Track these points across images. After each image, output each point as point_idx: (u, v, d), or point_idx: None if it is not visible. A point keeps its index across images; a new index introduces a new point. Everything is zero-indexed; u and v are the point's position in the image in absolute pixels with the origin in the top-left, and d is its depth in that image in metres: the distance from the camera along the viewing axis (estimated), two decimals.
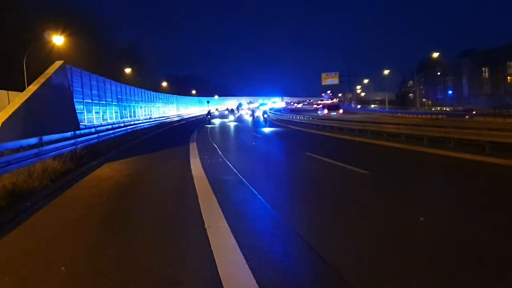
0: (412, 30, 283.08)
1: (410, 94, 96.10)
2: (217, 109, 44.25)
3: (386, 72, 78.13)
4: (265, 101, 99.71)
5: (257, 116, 50.95)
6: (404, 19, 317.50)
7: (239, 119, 51.25)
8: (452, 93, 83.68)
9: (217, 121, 42.24)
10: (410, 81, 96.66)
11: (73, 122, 19.71)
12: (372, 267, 4.29)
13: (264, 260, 4.49)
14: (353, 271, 4.13)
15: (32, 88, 15.60)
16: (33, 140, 11.20)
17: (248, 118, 54.61)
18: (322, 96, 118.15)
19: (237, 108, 70.97)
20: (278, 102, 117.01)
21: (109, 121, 30.31)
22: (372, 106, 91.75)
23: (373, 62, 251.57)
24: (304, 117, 40.86)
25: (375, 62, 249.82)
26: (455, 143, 14.63)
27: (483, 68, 77.73)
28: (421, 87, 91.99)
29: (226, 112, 58.07)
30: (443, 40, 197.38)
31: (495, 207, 6.83)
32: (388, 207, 6.93)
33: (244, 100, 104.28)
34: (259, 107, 69.54)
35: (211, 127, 35.64)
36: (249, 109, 68.00)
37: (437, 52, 62.83)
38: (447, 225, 5.82)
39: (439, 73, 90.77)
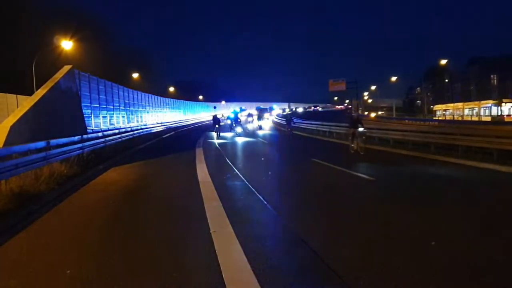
0: (420, 37, 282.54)
1: (418, 101, 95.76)
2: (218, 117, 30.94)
3: (394, 78, 77.89)
4: (261, 107, 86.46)
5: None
6: (412, 26, 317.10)
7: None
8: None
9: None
10: (418, 88, 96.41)
11: (80, 127, 19.83)
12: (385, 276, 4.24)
13: (268, 266, 4.47)
14: (355, 277, 4.10)
15: (40, 92, 15.73)
16: (41, 144, 11.25)
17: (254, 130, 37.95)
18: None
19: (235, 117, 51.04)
20: (276, 109, 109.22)
21: (116, 126, 30.44)
22: (379, 112, 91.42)
23: (380, 68, 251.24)
24: None
25: (383, 69, 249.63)
26: (463, 150, 14.51)
27: (492, 76, 77.32)
28: (428, 94, 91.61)
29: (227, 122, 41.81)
30: (452, 47, 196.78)
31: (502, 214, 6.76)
32: (399, 216, 6.88)
33: (242, 107, 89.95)
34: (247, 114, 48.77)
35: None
36: (250, 115, 49.95)
37: (445, 59, 62.49)
38: (450, 232, 5.76)
39: (447, 80, 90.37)
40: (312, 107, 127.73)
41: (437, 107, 70.78)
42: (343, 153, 17.15)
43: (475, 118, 52.81)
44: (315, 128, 32.49)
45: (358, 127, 16.64)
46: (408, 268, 4.39)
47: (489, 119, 48.86)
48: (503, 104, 49.97)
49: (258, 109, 77.42)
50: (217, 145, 22.58)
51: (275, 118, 59.75)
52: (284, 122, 53.44)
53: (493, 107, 51.35)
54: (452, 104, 65.54)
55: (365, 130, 17.52)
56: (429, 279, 4.04)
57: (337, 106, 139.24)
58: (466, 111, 58.38)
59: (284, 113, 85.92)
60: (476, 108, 55.05)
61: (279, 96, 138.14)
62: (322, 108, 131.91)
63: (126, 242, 5.63)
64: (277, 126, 45.91)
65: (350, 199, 8.35)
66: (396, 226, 6.09)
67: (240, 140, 26.68)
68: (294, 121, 32.23)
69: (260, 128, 40.14)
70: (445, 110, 65.77)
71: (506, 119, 46.21)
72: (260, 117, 45.07)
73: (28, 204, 8.02)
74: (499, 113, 49.00)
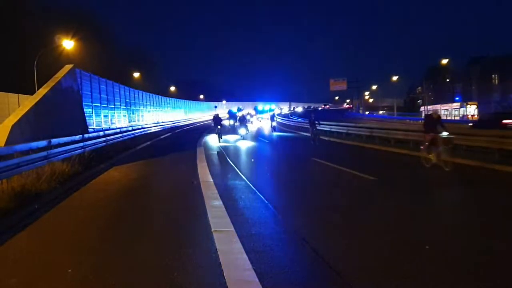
0: (421, 36, 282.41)
1: (419, 101, 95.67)
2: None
3: (395, 78, 77.82)
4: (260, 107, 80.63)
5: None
6: (414, 25, 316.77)
7: None
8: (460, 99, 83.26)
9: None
10: (419, 87, 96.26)
11: (81, 126, 19.84)
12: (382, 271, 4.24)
13: (270, 265, 4.47)
14: (355, 276, 4.11)
15: (42, 91, 15.75)
16: (42, 143, 11.27)
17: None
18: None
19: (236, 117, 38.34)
20: (275, 109, 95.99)
21: (118, 125, 30.46)
22: (380, 112, 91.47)
23: (381, 68, 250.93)
24: None
25: (384, 68, 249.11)
26: (464, 150, 14.46)
27: (493, 75, 77.12)
28: (430, 93, 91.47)
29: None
30: (453, 46, 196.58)
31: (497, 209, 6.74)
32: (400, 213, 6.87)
33: (240, 106, 79.98)
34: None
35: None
36: (249, 115, 42.42)
37: (446, 58, 62.59)
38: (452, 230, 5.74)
39: (448, 80, 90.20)
40: (322, 106, 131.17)
41: (423, 108, 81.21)
42: (419, 170, 11.84)
43: (449, 118, 65.44)
44: (345, 131, 25.82)
45: (440, 131, 11.93)
46: None
47: (457, 118, 62.01)
48: (468, 106, 63.25)
49: (256, 109, 74.93)
50: (221, 150, 18.79)
51: (277, 117, 59.38)
52: (289, 122, 51.82)
53: (462, 108, 65.05)
54: (431, 106, 76.70)
55: (452, 136, 12.40)
56: None
57: (344, 105, 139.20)
58: (443, 111, 69.37)
59: (283, 113, 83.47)
60: (449, 109, 69.33)
61: (279, 96, 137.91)
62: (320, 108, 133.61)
63: (127, 241, 5.62)
64: (281, 127, 44.60)
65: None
66: None
67: (247, 145, 22.23)
68: (320, 122, 25.04)
69: (274, 129, 34.85)
70: (428, 111, 73.95)
71: (470, 118, 57.59)
72: (272, 118, 38.27)
73: (30, 203, 8.03)
74: (465, 113, 61.57)
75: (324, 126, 27.58)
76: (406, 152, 16.09)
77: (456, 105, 68.63)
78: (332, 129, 27.85)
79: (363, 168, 11.67)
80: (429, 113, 13.65)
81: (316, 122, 23.67)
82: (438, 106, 73.35)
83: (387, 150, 17.74)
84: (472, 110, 61.82)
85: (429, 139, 12.12)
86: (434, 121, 12.32)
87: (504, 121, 27.82)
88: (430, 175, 11.06)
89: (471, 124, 35.06)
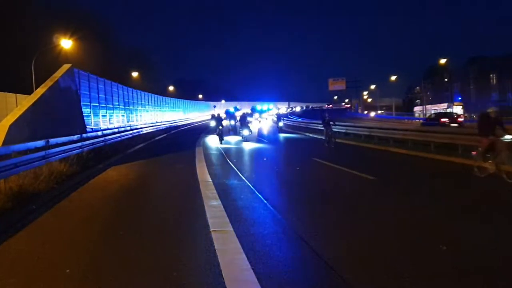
0: (420, 36, 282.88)
1: (417, 100, 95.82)
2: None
3: (393, 78, 77.91)
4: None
5: None
6: (412, 25, 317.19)
7: None
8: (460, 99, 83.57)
9: None
10: (417, 87, 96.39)
11: (80, 125, 19.81)
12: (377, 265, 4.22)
13: (268, 265, 4.46)
14: (355, 276, 4.09)
15: (39, 91, 15.72)
16: (40, 143, 11.27)
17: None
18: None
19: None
20: (273, 109, 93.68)
21: (116, 125, 30.40)
22: (379, 112, 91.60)
23: (381, 68, 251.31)
24: None
25: (383, 68, 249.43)
26: (463, 149, 14.43)
27: (491, 75, 77.27)
28: (428, 93, 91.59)
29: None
30: (451, 46, 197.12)
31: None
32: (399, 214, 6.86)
33: (237, 106, 79.70)
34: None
35: None
36: (249, 115, 35.23)
37: (444, 58, 62.66)
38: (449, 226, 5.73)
39: (446, 80, 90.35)
40: (326, 105, 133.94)
41: (416, 108, 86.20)
42: (476, 182, 9.63)
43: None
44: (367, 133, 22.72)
45: (501, 135, 9.70)
46: None
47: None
48: (454, 106, 68.26)
49: (254, 108, 73.54)
50: (222, 152, 17.50)
51: (275, 118, 59.32)
52: (288, 122, 50.80)
53: (449, 109, 69.19)
54: (426, 106, 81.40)
55: None
56: None
57: (342, 104, 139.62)
58: (432, 111, 72.46)
59: (281, 113, 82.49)
60: (438, 109, 71.74)
61: (278, 95, 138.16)
62: (319, 107, 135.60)
63: (126, 241, 5.61)
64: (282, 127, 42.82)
65: None
66: None
67: (254, 147, 20.67)
68: (336, 123, 22.67)
69: (280, 130, 33.48)
70: (421, 111, 79.40)
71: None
72: (279, 118, 36.61)
73: (28, 203, 8.01)
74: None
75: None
76: (451, 160, 13.53)
77: (443, 105, 75.60)
78: (349, 130, 25.43)
79: (396, 179, 10.53)
80: (487, 111, 10.39)
81: (331, 122, 20.90)
82: (429, 106, 77.39)
83: (426, 156, 14.80)
84: (458, 110, 65.91)
85: (486, 144, 9.94)
86: (492, 122, 9.93)
87: (442, 120, 35.96)
88: (492, 189, 8.84)
89: (422, 121, 43.73)
